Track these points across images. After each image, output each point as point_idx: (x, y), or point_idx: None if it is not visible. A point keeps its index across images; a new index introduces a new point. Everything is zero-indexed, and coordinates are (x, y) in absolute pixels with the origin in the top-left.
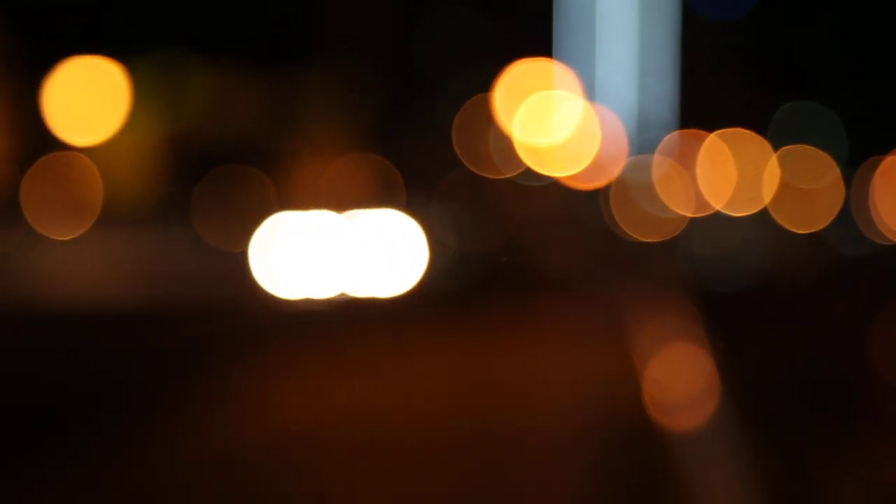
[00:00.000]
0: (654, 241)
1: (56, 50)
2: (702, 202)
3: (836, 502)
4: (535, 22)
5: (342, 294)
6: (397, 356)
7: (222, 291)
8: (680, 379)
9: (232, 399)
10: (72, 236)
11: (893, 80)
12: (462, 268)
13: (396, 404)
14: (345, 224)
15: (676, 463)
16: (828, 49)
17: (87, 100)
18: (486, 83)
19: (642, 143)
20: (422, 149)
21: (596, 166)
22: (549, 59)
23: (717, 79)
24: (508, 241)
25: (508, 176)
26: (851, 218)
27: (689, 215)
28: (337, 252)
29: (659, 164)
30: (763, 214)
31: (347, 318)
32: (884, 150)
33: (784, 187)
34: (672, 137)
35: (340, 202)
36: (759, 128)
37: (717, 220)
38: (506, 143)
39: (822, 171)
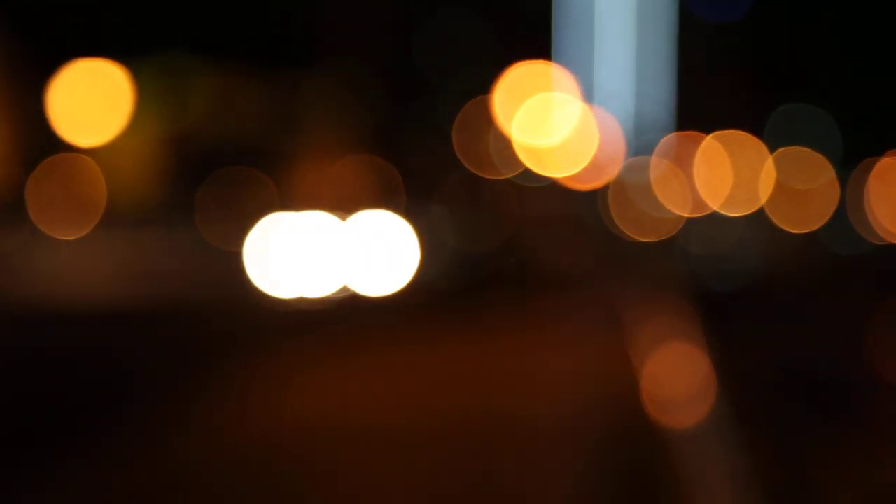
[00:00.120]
0: (652, 240)
1: (60, 52)
2: (698, 202)
3: (834, 502)
4: (535, 25)
5: (344, 288)
6: (397, 356)
7: (223, 291)
8: (678, 378)
9: (235, 396)
10: (76, 236)
11: (888, 82)
12: (461, 267)
13: (397, 402)
14: (341, 225)
15: (675, 461)
16: (823, 51)
17: (91, 102)
18: (485, 85)
19: (640, 144)
20: (422, 150)
21: (594, 167)
22: (548, 62)
23: (713, 81)
24: (508, 240)
25: (508, 176)
26: (846, 218)
27: (686, 215)
28: (333, 252)
29: (656, 165)
30: (759, 214)
31: (347, 317)
32: (878, 152)
33: (780, 188)
34: (669, 139)
35: (340, 203)
36: (756, 129)
37: (714, 220)
38: (505, 144)
39: (817, 172)
